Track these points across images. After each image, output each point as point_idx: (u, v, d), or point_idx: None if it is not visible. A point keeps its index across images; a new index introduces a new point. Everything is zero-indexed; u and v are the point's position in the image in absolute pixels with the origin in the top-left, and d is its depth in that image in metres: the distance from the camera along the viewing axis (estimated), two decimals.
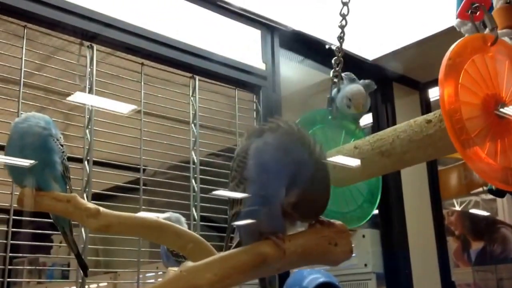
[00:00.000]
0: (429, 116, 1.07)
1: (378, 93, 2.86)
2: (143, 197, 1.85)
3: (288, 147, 0.75)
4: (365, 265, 2.63)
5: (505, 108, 0.95)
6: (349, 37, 1.44)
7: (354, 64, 2.64)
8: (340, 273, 2.72)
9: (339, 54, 1.42)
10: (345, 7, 1.41)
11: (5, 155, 0.97)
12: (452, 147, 0.89)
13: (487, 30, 1.45)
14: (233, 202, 0.77)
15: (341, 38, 1.42)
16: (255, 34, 2.33)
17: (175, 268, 1.20)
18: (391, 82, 2.86)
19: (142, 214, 0.83)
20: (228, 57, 2.17)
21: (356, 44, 2.51)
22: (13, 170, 0.96)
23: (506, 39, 1.27)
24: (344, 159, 1.27)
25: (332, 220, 0.79)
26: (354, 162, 1.20)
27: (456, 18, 1.60)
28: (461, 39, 0.99)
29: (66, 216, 0.95)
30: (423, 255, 2.77)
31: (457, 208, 3.96)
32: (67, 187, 0.99)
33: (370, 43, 2.58)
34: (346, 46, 2.51)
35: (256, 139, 0.77)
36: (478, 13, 1.11)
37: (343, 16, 1.42)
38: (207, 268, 0.70)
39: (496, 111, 0.94)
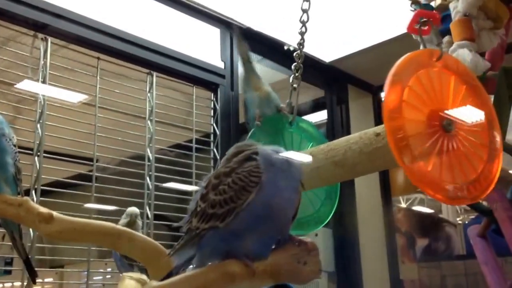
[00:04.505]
0: (378, 129, 1.07)
1: (333, 94, 2.92)
2: (95, 194, 1.81)
3: (298, 177, 0.76)
4: None
5: (451, 123, 0.96)
6: (307, 39, 1.44)
7: (311, 65, 2.69)
8: None
9: (299, 60, 1.41)
10: (305, 14, 1.42)
11: None
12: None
13: (447, 39, 1.50)
14: (206, 215, 0.72)
15: (301, 45, 1.42)
16: (214, 32, 2.32)
17: (131, 274, 1.19)
18: (346, 84, 2.93)
19: (98, 221, 0.80)
20: (187, 54, 2.16)
21: (314, 46, 2.55)
22: None
23: (465, 50, 1.32)
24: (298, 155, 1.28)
25: (302, 238, 0.78)
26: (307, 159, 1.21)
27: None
28: (406, 55, 0.99)
29: (17, 221, 0.92)
30: (373, 254, 2.85)
31: (403, 205, 4.10)
32: (18, 190, 0.96)
33: (327, 45, 2.62)
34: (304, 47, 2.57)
35: (266, 162, 0.74)
36: (426, 27, 1.13)
37: (303, 23, 1.43)
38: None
39: (442, 126, 0.95)
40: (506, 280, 1.39)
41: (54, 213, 0.81)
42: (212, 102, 2.27)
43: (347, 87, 2.93)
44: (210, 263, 0.72)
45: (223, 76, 2.29)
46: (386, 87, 0.93)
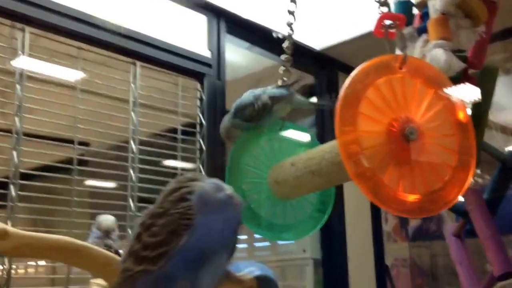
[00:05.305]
0: None
1: (323, 81, 2.89)
2: (77, 188, 1.81)
3: (236, 217, 0.73)
4: (304, 250, 2.68)
5: (413, 131, 0.92)
6: (298, 27, 1.38)
7: (301, 53, 2.66)
8: (278, 259, 2.77)
9: (288, 52, 1.32)
10: (293, 4, 1.36)
11: None
12: None
13: (423, 37, 1.46)
14: (139, 257, 0.69)
15: (289, 36, 1.34)
16: (201, 20, 2.28)
17: (98, 281, 1.19)
18: (336, 71, 2.90)
19: (56, 235, 0.78)
20: (172, 43, 2.12)
21: (304, 33, 2.51)
22: None
23: (440, 50, 1.29)
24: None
25: (241, 275, 0.77)
26: None
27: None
28: (363, 64, 0.95)
29: None
30: (359, 240, 2.86)
31: None
32: None
33: (318, 33, 2.58)
34: (294, 34, 2.53)
35: (200, 203, 0.70)
36: (394, 30, 1.07)
37: (291, 13, 1.37)
38: None
39: (403, 135, 0.91)
40: (480, 280, 1.39)
41: (10, 228, 0.80)
42: (199, 92, 2.24)
43: (338, 74, 2.90)
44: None
45: (209, 65, 2.26)
46: (338, 101, 0.90)
